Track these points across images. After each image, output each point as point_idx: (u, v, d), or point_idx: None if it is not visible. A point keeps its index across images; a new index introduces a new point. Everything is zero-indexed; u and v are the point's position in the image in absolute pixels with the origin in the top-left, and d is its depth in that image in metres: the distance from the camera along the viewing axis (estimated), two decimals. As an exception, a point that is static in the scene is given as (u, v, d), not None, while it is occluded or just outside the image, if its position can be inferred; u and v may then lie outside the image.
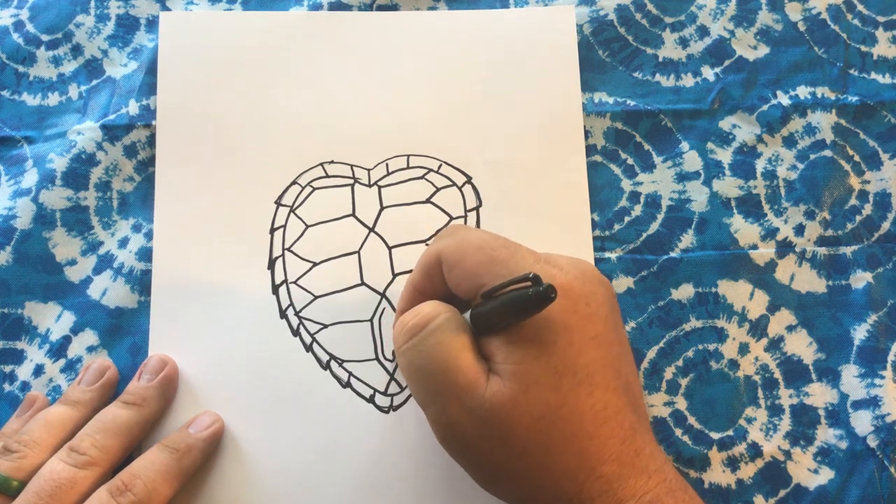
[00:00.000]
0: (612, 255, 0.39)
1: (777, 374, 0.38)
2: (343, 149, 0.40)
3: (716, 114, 0.41)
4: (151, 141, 0.40)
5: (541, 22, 0.42)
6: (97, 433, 0.33)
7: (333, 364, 0.37)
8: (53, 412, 0.34)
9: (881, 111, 0.42)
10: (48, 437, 0.33)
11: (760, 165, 0.41)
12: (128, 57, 0.42)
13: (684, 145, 0.41)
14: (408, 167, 0.40)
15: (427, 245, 0.39)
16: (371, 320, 0.38)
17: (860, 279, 0.39)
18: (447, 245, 0.31)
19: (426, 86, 0.41)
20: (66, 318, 0.38)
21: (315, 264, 0.39)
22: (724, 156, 0.41)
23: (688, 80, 0.42)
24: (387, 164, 0.40)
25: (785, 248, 0.40)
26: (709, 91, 0.42)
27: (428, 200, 0.40)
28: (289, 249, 0.39)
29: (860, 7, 0.43)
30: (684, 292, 0.39)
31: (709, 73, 0.42)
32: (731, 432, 0.37)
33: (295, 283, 0.38)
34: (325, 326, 0.38)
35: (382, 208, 0.39)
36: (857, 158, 0.41)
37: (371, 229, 0.39)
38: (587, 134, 0.41)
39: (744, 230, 0.40)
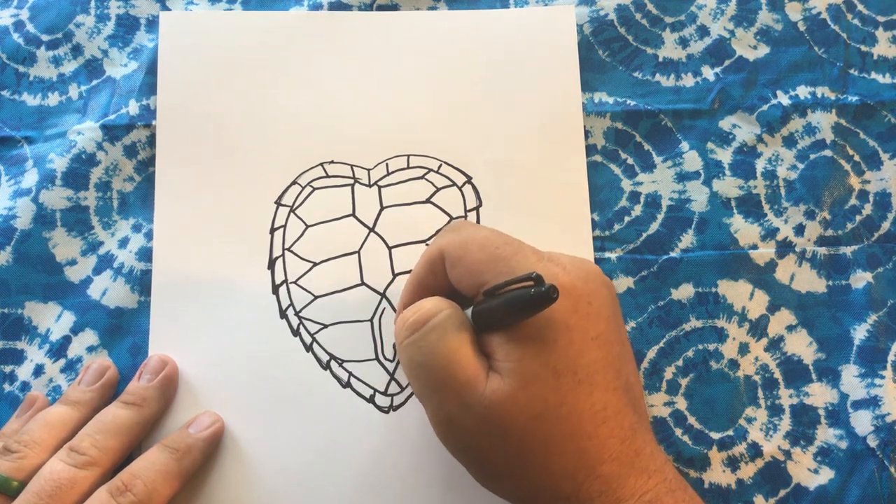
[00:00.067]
0: (612, 255, 0.39)
1: (777, 374, 0.38)
2: (343, 149, 0.40)
3: (716, 114, 0.41)
4: (151, 141, 0.40)
5: (541, 22, 0.42)
6: (97, 433, 0.33)
7: (333, 364, 0.37)
8: (53, 412, 0.34)
9: (881, 111, 0.42)
10: (48, 437, 0.33)
11: (760, 165, 0.41)
12: (128, 57, 0.42)
13: (684, 145, 0.41)
14: (408, 167, 0.40)
15: (427, 245, 0.39)
16: (371, 320, 0.38)
17: (860, 279, 0.39)
18: (451, 241, 0.30)
19: (426, 86, 0.41)
20: (66, 318, 0.38)
21: (315, 264, 0.38)
22: (724, 156, 0.41)
23: (688, 80, 0.42)
24: (387, 164, 0.40)
25: (785, 247, 0.40)
26: (709, 91, 0.42)
27: (428, 200, 0.40)
28: (289, 249, 0.39)
29: (860, 7, 0.43)
30: (684, 292, 0.39)
31: (709, 72, 0.42)
32: (731, 432, 0.37)
33: (295, 283, 0.38)
34: (326, 326, 0.38)
35: (382, 208, 0.39)
36: (857, 158, 0.41)
37: (371, 229, 0.39)
38: (587, 134, 0.41)
39: (744, 230, 0.40)
